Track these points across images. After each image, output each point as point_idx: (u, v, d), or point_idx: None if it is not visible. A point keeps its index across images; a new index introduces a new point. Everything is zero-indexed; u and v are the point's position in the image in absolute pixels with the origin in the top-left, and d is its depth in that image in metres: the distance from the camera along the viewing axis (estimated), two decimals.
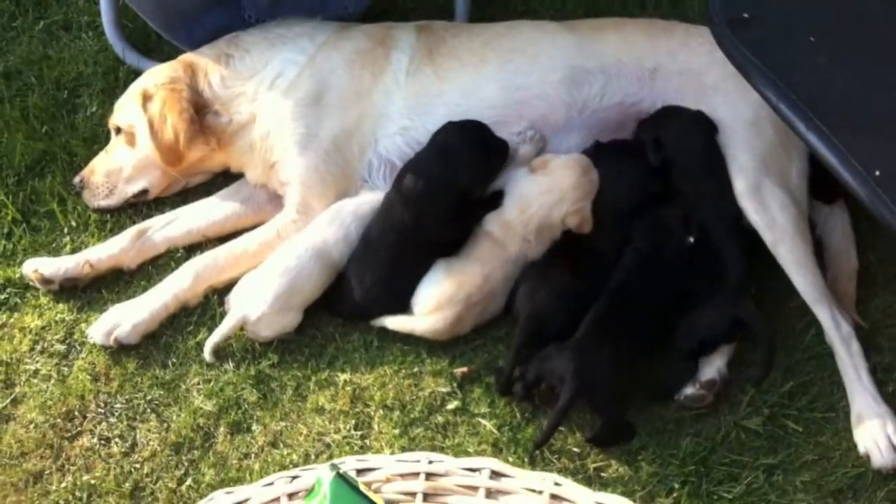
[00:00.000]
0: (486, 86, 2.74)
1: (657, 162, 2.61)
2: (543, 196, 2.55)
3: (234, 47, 2.83)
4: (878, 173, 1.95)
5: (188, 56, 2.87)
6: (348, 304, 2.60)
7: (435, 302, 2.51)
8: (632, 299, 2.48)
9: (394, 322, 2.57)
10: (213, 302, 2.66)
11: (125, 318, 2.60)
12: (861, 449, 2.35)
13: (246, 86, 2.79)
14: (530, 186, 2.57)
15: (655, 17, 3.00)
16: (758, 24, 2.25)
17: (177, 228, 2.79)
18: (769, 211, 2.52)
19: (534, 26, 2.87)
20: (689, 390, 2.42)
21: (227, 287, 2.65)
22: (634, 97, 2.72)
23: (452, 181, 2.56)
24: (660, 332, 2.48)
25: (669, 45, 2.74)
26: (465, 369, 2.51)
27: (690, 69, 2.70)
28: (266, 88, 2.78)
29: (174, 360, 2.59)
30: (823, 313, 2.47)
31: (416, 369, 2.53)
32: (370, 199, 2.67)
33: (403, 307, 2.57)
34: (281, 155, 2.75)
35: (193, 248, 2.77)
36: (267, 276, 2.55)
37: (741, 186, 2.56)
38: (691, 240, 2.56)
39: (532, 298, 2.49)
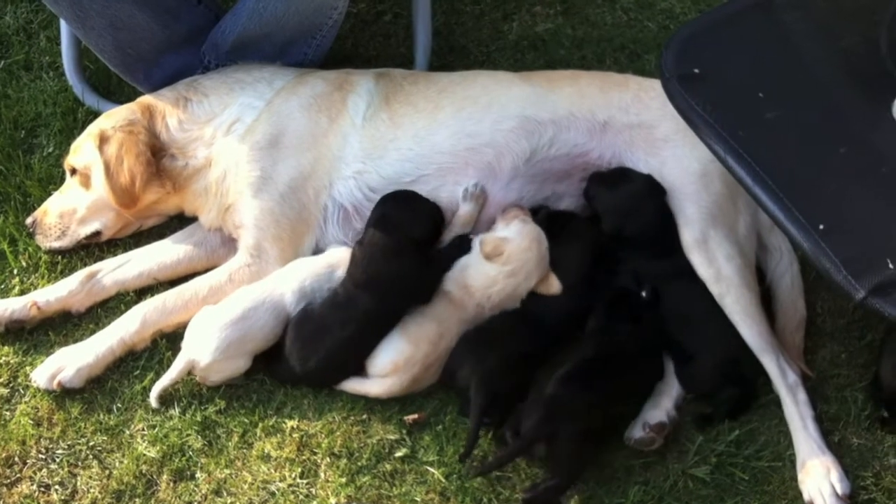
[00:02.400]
0: (437, 132, 2.74)
1: (611, 231, 2.65)
2: (509, 279, 2.56)
3: (193, 91, 2.83)
4: (821, 227, 1.97)
5: (147, 98, 2.86)
6: (287, 373, 2.55)
7: (392, 365, 2.48)
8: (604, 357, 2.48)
9: (347, 385, 2.53)
10: (161, 346, 2.62)
11: (70, 361, 2.55)
12: (805, 496, 2.35)
13: (203, 130, 2.79)
14: (494, 271, 2.57)
15: (605, 72, 3.04)
16: (708, 80, 2.28)
17: (128, 271, 2.75)
18: (715, 262, 2.54)
19: (489, 76, 2.89)
20: (638, 434, 2.42)
21: (177, 331, 2.61)
22: (583, 148, 2.74)
23: (403, 238, 2.57)
24: (632, 390, 2.49)
25: (622, 98, 2.76)
26: (415, 416, 2.48)
27: (642, 122, 2.73)
28: (223, 133, 2.78)
29: (119, 405, 2.54)
30: (770, 362, 2.48)
31: (364, 416, 2.50)
32: (329, 261, 2.64)
33: (348, 376, 2.54)
34: (236, 198, 2.73)
35: (144, 292, 2.74)
36: (219, 322, 2.51)
37: (688, 238, 2.58)
38: (644, 294, 2.59)
39: (482, 364, 2.45)
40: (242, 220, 2.72)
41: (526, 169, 2.72)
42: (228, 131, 2.78)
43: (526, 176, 2.73)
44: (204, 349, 2.47)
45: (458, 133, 2.73)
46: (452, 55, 3.30)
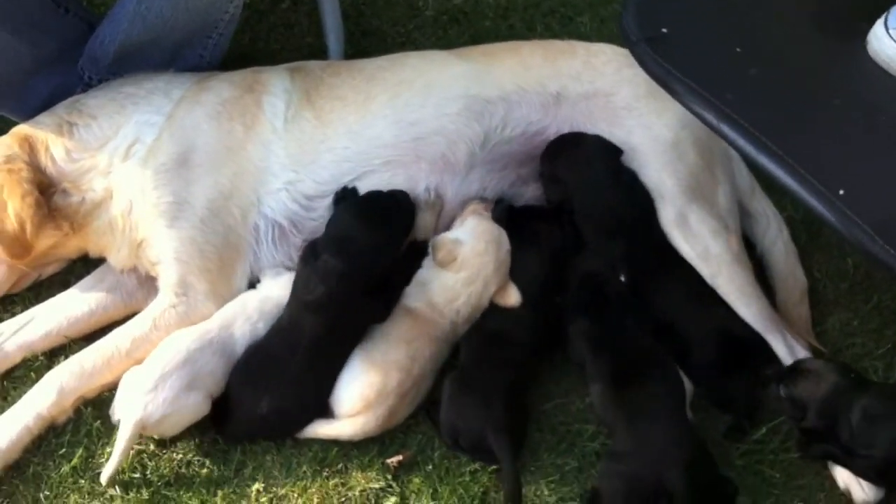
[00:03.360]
0: (374, 124, 2.45)
1: (554, 201, 2.43)
2: (468, 287, 2.30)
3: (77, 114, 2.45)
4: (841, 192, 1.76)
5: (23, 128, 2.46)
6: (240, 426, 2.23)
7: (363, 400, 2.19)
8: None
9: (313, 431, 2.23)
10: (86, 415, 2.26)
11: None
12: (840, 484, 2.18)
13: (97, 157, 2.42)
14: (451, 281, 2.30)
15: (547, 39, 2.77)
16: (679, 40, 2.04)
17: (33, 332, 2.40)
18: (700, 240, 2.34)
19: (420, 56, 2.60)
20: None
21: (103, 394, 2.29)
22: (539, 125, 2.49)
23: (367, 267, 2.25)
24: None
25: (572, 66, 2.52)
26: (399, 457, 2.20)
27: (597, 91, 2.49)
28: (121, 158, 2.42)
29: (47, 492, 2.18)
30: (776, 342, 2.29)
31: (340, 465, 2.20)
32: (276, 293, 2.33)
33: (314, 418, 2.24)
34: (148, 231, 2.39)
35: (56, 354, 2.39)
36: (160, 370, 2.18)
37: (667, 216, 2.37)
38: (623, 278, 2.37)
39: (490, 411, 2.18)
40: (160, 255, 2.39)
41: (483, 155, 2.46)
42: (127, 155, 2.42)
43: (485, 163, 2.47)
44: (151, 404, 2.15)
45: (398, 122, 2.45)
46: (367, 39, 2.99)
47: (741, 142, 1.92)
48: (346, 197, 2.39)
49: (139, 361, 2.27)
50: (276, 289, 2.33)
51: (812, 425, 2.11)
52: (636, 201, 2.41)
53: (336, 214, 2.34)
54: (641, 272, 2.37)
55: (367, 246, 2.24)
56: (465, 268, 2.31)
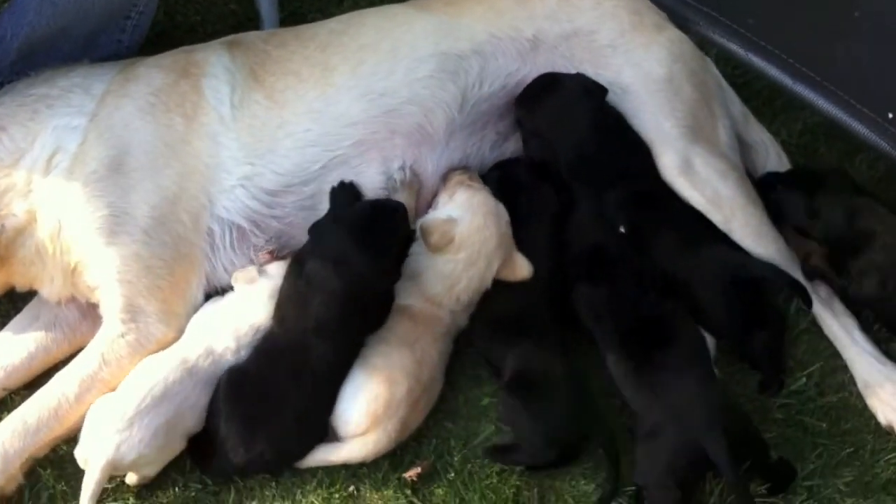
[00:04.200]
0: (338, 99, 2.16)
1: (535, 155, 2.21)
2: (469, 270, 2.05)
3: None
4: (891, 115, 1.54)
5: None
6: (227, 465, 1.93)
7: (370, 416, 1.92)
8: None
9: (319, 459, 1.94)
10: (45, 477, 1.95)
11: None
12: (882, 420, 2.06)
13: (12, 176, 2.09)
14: (449, 266, 2.04)
15: None
16: None
17: None
18: (709, 184, 2.16)
19: (378, 13, 2.31)
20: None
21: (59, 449, 1.98)
22: (518, 75, 2.25)
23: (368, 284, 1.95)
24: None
25: (546, 5, 2.28)
26: (417, 469, 1.96)
27: (578, 30, 2.26)
28: (41, 173, 2.09)
29: None
30: (798, 279, 2.13)
31: (352, 488, 1.95)
32: (265, 295, 2.02)
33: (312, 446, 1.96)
34: (83, 252, 2.08)
35: None
36: (136, 409, 1.89)
37: (669, 161, 2.17)
38: (622, 229, 2.16)
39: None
40: (100, 278, 2.08)
41: (462, 119, 2.20)
42: (48, 168, 2.10)
43: (464, 128, 2.21)
44: (125, 444, 1.88)
45: (366, 94, 2.17)
46: (300, 1, 2.63)
47: (774, 71, 1.72)
48: (342, 193, 2.09)
49: (90, 405, 1.99)
50: (257, 300, 2.01)
51: None
52: (627, 145, 2.19)
53: (327, 227, 2.01)
54: (639, 224, 2.16)
55: (367, 268, 1.93)
56: (464, 247, 2.04)
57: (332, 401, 1.95)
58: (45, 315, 2.18)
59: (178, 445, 1.94)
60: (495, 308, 2.07)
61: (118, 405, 1.92)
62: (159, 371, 1.94)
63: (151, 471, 1.94)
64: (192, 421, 1.94)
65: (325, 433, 1.95)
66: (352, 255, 1.92)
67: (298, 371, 1.92)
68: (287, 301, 1.97)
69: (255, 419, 1.92)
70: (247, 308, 2.02)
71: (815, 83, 1.64)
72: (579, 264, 2.12)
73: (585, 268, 2.11)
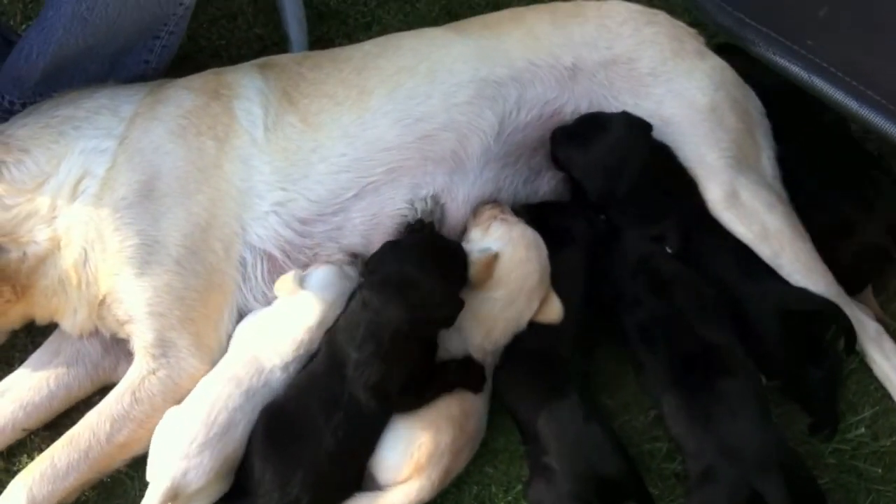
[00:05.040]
0: (375, 123, 2.06)
1: (600, 197, 2.10)
2: (507, 311, 1.93)
3: (4, 149, 1.97)
4: None
5: None
6: None
7: (413, 463, 1.81)
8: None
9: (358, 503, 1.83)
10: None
11: None
12: None
13: (36, 201, 1.96)
14: (487, 306, 1.92)
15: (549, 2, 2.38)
16: None
17: None
18: (756, 217, 2.07)
19: (414, 36, 2.21)
20: None
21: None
22: (556, 104, 2.15)
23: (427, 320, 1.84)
24: None
25: (584, 31, 2.18)
26: None
27: (617, 57, 2.17)
28: (67, 199, 1.97)
29: None
30: (847, 316, 2.03)
31: None
32: (324, 305, 1.91)
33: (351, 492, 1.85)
34: (111, 284, 1.95)
35: (15, 453, 1.98)
36: (206, 435, 1.82)
37: (714, 195, 2.09)
38: (669, 250, 2.07)
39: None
40: (130, 311, 1.95)
41: (498, 149, 2.10)
42: (74, 194, 1.98)
43: (499, 158, 2.11)
44: (193, 471, 1.81)
45: (403, 119, 2.06)
46: (325, 24, 2.58)
47: (838, 94, 1.67)
48: (417, 230, 2.00)
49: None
50: (300, 311, 1.91)
51: None
52: (678, 177, 2.10)
53: (387, 253, 1.90)
54: (693, 255, 2.07)
55: (435, 289, 1.82)
56: (504, 284, 1.92)
57: (370, 445, 1.84)
58: (67, 350, 2.06)
59: (230, 479, 1.86)
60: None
61: (189, 427, 1.83)
62: (222, 396, 1.84)
63: (211, 499, 1.85)
64: (241, 451, 1.85)
65: (362, 479, 1.84)
66: (419, 278, 1.81)
67: (340, 420, 1.81)
68: (344, 333, 1.86)
69: (290, 461, 1.80)
70: (290, 320, 1.91)
71: (880, 107, 1.58)
72: (632, 284, 2.02)
73: (640, 287, 2.00)
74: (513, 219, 2.02)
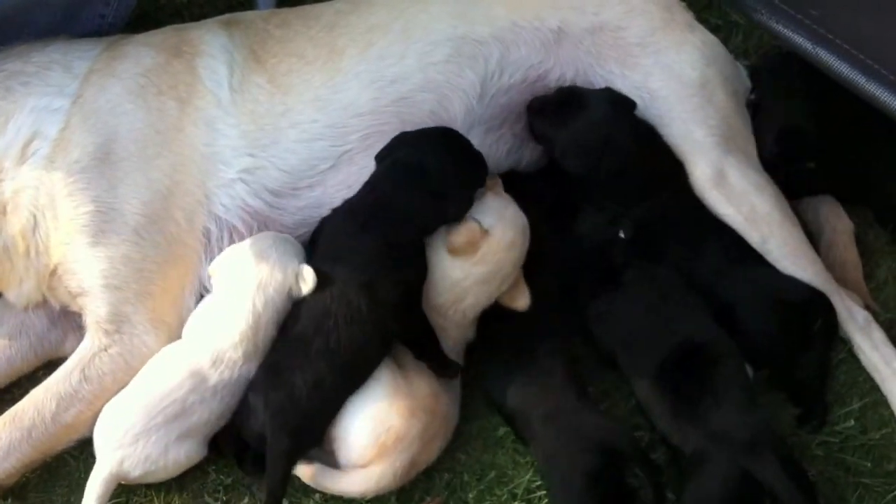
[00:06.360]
0: (346, 86, 1.96)
1: (581, 174, 2.03)
2: (480, 286, 1.85)
3: None
4: None
5: None
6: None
7: (378, 446, 1.72)
8: None
9: (317, 482, 1.74)
10: None
11: None
12: None
13: None
14: (460, 275, 1.84)
15: None
16: None
17: None
18: (745, 199, 2.00)
19: None
20: None
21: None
22: (540, 68, 2.06)
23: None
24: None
25: None
26: (438, 500, 1.79)
27: (604, 24, 2.09)
28: (15, 161, 1.85)
29: None
30: (835, 303, 1.99)
31: None
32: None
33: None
34: (64, 253, 1.85)
35: None
36: (144, 425, 1.74)
37: (701, 174, 2.01)
38: (622, 234, 2.01)
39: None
40: (84, 283, 1.85)
41: (482, 111, 2.01)
42: (23, 156, 1.86)
43: (483, 121, 2.02)
44: (128, 460, 1.74)
45: (375, 81, 1.97)
46: None
47: (843, 68, 1.59)
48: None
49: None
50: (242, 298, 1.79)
51: None
52: (661, 160, 2.04)
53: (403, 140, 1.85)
54: (676, 239, 2.01)
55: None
56: (484, 263, 1.84)
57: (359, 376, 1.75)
58: (10, 322, 1.97)
59: (196, 454, 1.79)
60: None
61: (126, 415, 1.75)
62: (177, 384, 1.75)
63: (166, 478, 1.80)
64: (210, 429, 1.79)
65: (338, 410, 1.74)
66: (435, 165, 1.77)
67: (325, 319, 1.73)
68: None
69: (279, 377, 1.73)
70: (235, 309, 1.79)
71: (887, 81, 1.52)
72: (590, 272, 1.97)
73: (603, 280, 1.95)
74: (507, 196, 1.93)
